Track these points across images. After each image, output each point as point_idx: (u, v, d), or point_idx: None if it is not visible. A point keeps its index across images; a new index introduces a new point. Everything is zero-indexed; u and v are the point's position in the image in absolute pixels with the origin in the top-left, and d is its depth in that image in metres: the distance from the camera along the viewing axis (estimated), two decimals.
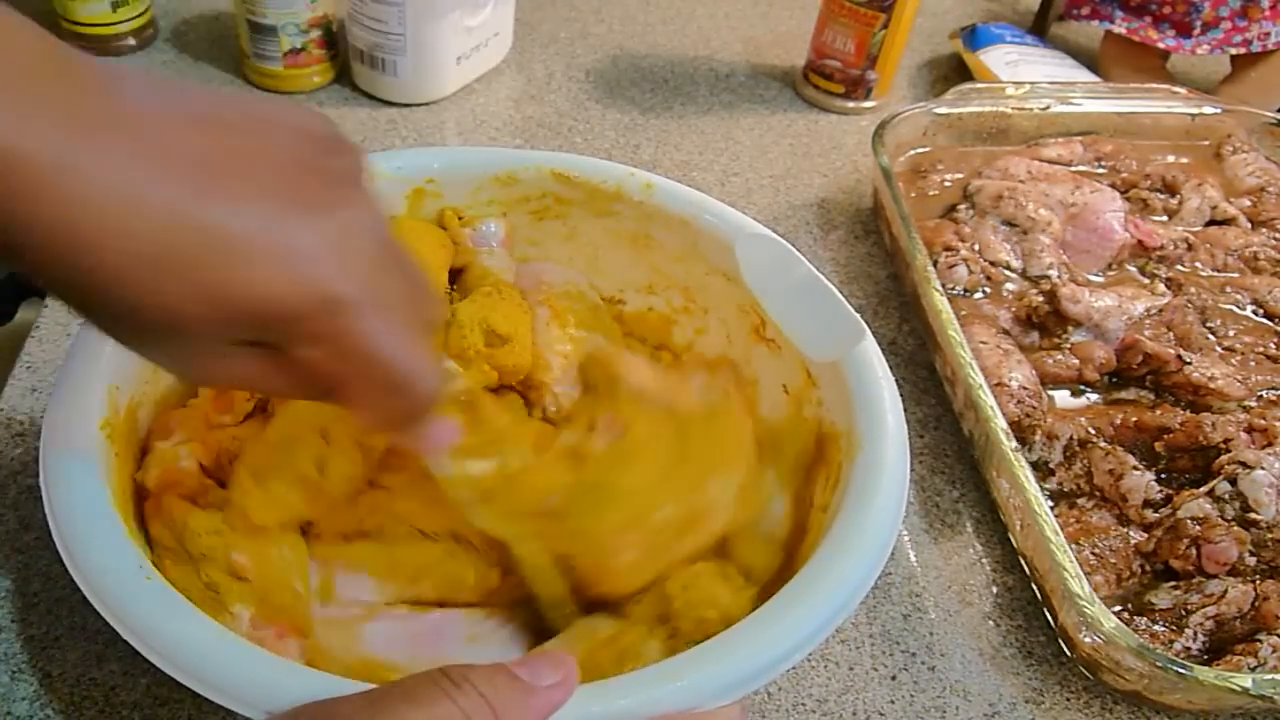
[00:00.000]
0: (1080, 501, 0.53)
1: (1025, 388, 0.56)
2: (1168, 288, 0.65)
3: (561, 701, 0.29)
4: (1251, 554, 0.49)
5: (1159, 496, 0.52)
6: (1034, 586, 0.50)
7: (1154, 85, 0.80)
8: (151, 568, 0.33)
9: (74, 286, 0.25)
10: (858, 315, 0.44)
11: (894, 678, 0.47)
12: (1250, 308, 0.65)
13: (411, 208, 0.50)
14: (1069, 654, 0.48)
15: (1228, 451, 0.52)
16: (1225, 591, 0.47)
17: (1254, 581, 0.48)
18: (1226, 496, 0.51)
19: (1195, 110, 0.77)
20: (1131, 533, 0.51)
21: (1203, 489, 0.51)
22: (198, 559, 0.38)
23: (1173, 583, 0.49)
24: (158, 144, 0.25)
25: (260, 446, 0.41)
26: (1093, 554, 0.50)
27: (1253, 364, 0.61)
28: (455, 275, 0.51)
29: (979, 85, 0.77)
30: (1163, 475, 0.53)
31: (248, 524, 0.39)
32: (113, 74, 0.25)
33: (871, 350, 0.43)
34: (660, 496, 0.39)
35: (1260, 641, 0.45)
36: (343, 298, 0.27)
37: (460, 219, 0.51)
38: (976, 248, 0.65)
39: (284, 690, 0.29)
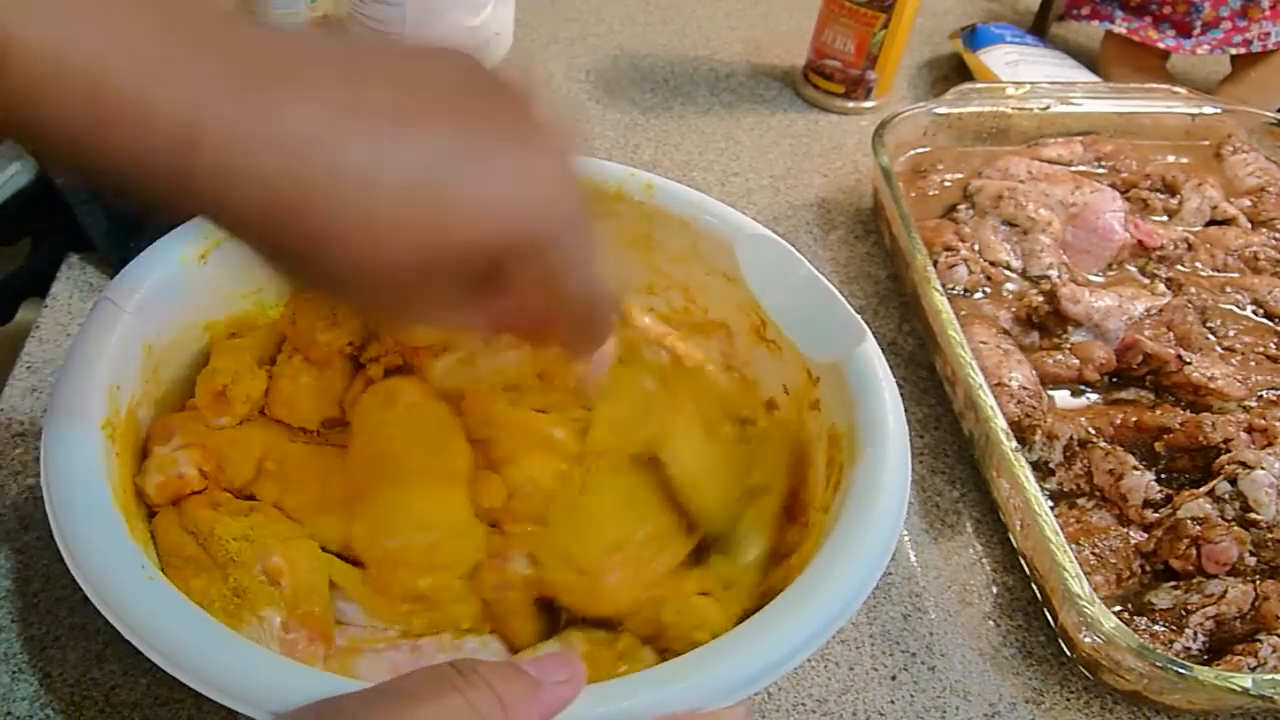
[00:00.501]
0: (1080, 501, 0.53)
1: (1025, 388, 0.56)
2: (1168, 288, 0.65)
3: (570, 698, 0.29)
4: (1251, 554, 0.49)
5: (1159, 496, 0.52)
6: (1034, 586, 0.50)
7: (1154, 85, 0.81)
8: (154, 568, 0.33)
9: (288, 254, 0.25)
10: (858, 316, 0.44)
11: (894, 678, 0.47)
12: (1250, 308, 0.65)
13: None
14: (1069, 654, 0.48)
15: (1228, 451, 0.52)
16: (1225, 591, 0.47)
17: (1254, 581, 0.48)
18: (1226, 496, 0.51)
19: (1195, 110, 0.77)
20: (1131, 533, 0.51)
21: (1203, 489, 0.51)
22: (225, 564, 0.38)
23: (1173, 583, 0.49)
24: (346, 100, 0.24)
25: None
26: (1093, 554, 0.50)
27: (1253, 364, 0.61)
28: None
29: (979, 85, 0.77)
30: (1163, 475, 0.53)
31: (278, 527, 0.39)
32: (277, 36, 0.25)
33: (872, 351, 0.43)
34: (636, 517, 0.41)
35: (1260, 641, 0.45)
36: (549, 232, 0.27)
37: None
38: (976, 248, 0.65)
39: (287, 689, 0.29)
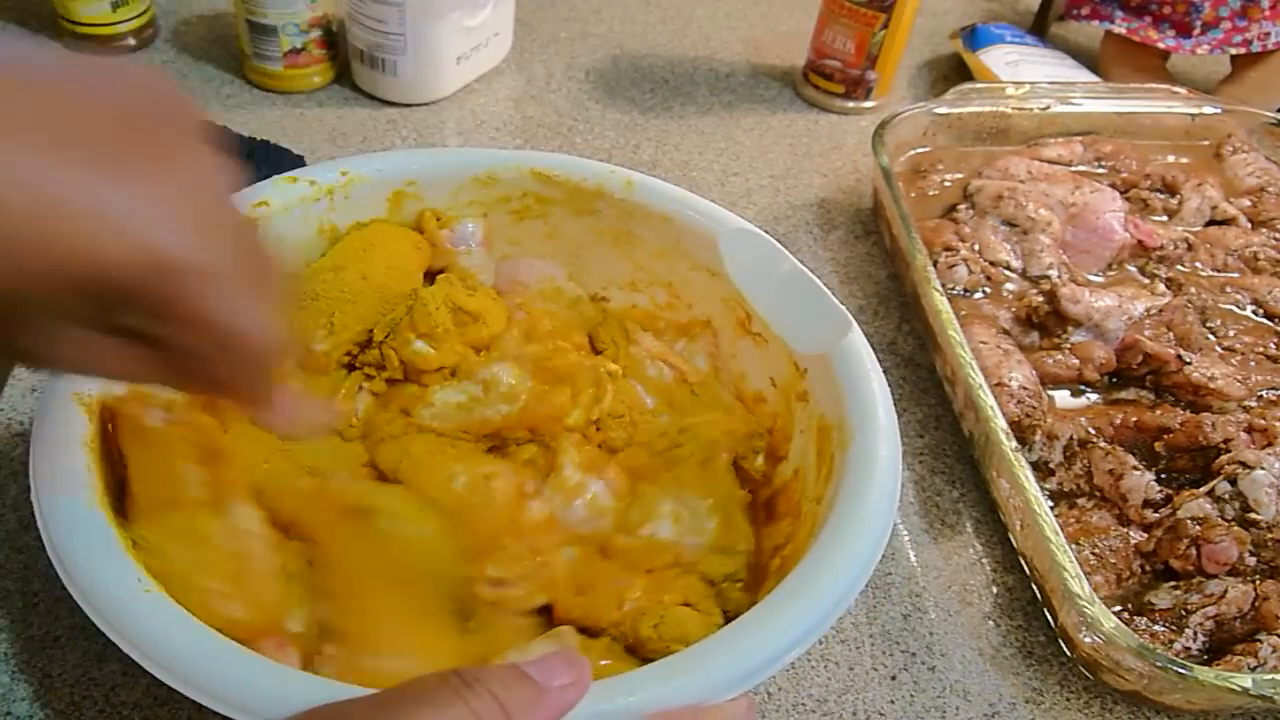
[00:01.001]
0: (1080, 501, 0.53)
1: (1025, 388, 0.56)
2: (1168, 288, 0.65)
3: (574, 701, 0.29)
4: (1251, 554, 0.49)
5: (1159, 496, 0.52)
6: (1034, 586, 0.50)
7: (1154, 85, 0.80)
8: (149, 579, 0.33)
9: None
10: (844, 308, 0.44)
11: (894, 678, 0.47)
12: (1250, 308, 0.65)
13: (392, 210, 0.50)
14: (1069, 654, 0.48)
15: (1228, 451, 0.52)
16: (1225, 591, 0.47)
17: (1254, 581, 0.48)
18: (1226, 496, 0.51)
19: (1195, 110, 0.77)
20: (1131, 533, 0.51)
21: (1203, 489, 0.51)
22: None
23: (1173, 583, 0.49)
24: None
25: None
26: (1093, 554, 0.50)
27: (1253, 364, 0.61)
28: (434, 276, 0.51)
29: (979, 85, 0.77)
30: (1163, 475, 0.53)
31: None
32: None
33: (859, 342, 0.43)
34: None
35: (1260, 641, 0.45)
36: (180, 261, 0.25)
37: (438, 220, 0.51)
38: (976, 248, 0.65)
39: (287, 697, 0.29)
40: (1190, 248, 0.68)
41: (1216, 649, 0.46)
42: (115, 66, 0.26)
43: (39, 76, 0.25)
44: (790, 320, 0.46)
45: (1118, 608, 0.48)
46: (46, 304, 0.24)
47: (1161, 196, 0.72)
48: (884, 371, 0.61)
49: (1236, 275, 0.67)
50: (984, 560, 0.52)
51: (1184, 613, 0.47)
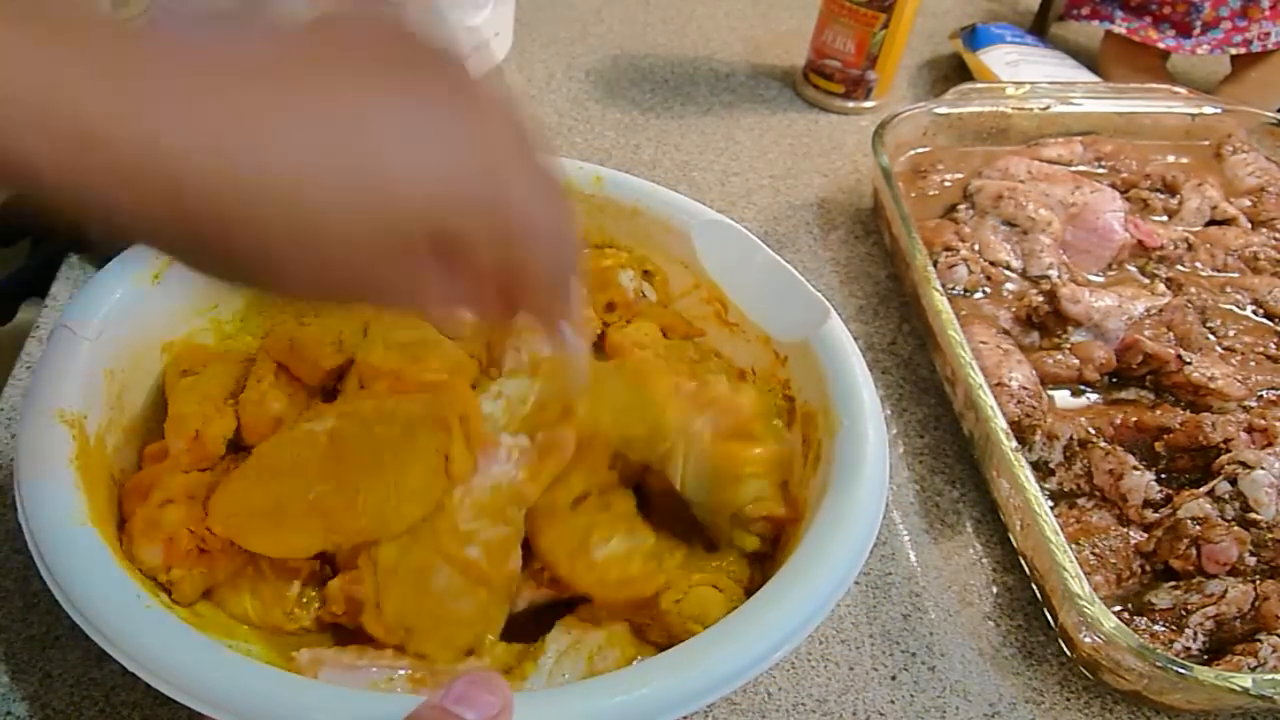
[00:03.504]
0: (1080, 501, 0.53)
1: (1025, 388, 0.56)
2: (1168, 288, 0.65)
3: None
4: (1251, 554, 0.49)
5: (1159, 496, 0.52)
6: (1034, 586, 0.50)
7: (1154, 85, 0.81)
8: (149, 595, 0.32)
9: (221, 261, 0.24)
10: (820, 295, 0.45)
11: (894, 678, 0.47)
12: (1250, 308, 0.65)
13: None
14: (1069, 654, 0.48)
15: (1228, 451, 0.52)
16: (1225, 591, 0.47)
17: (1254, 581, 0.48)
18: (1226, 496, 0.51)
19: (1195, 110, 0.77)
20: (1131, 533, 0.51)
21: (1203, 489, 0.51)
22: None
23: (1173, 583, 0.49)
24: (263, 100, 0.23)
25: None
26: (1093, 554, 0.50)
27: (1253, 364, 0.61)
28: None
29: (979, 85, 0.77)
30: (1163, 475, 0.53)
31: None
32: (166, 35, 0.24)
33: (838, 328, 0.44)
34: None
35: (1260, 641, 0.45)
36: (506, 192, 0.26)
37: None
38: (976, 248, 0.65)
39: (291, 704, 0.30)
40: (1190, 248, 0.68)
41: (1216, 649, 0.46)
42: (341, 18, 0.26)
43: (290, 47, 0.25)
44: (768, 309, 0.47)
45: (1118, 608, 0.48)
46: (384, 252, 0.25)
47: (1161, 196, 0.72)
48: (884, 371, 0.62)
49: (1236, 275, 0.67)
50: (984, 560, 0.52)
51: (1184, 613, 0.47)
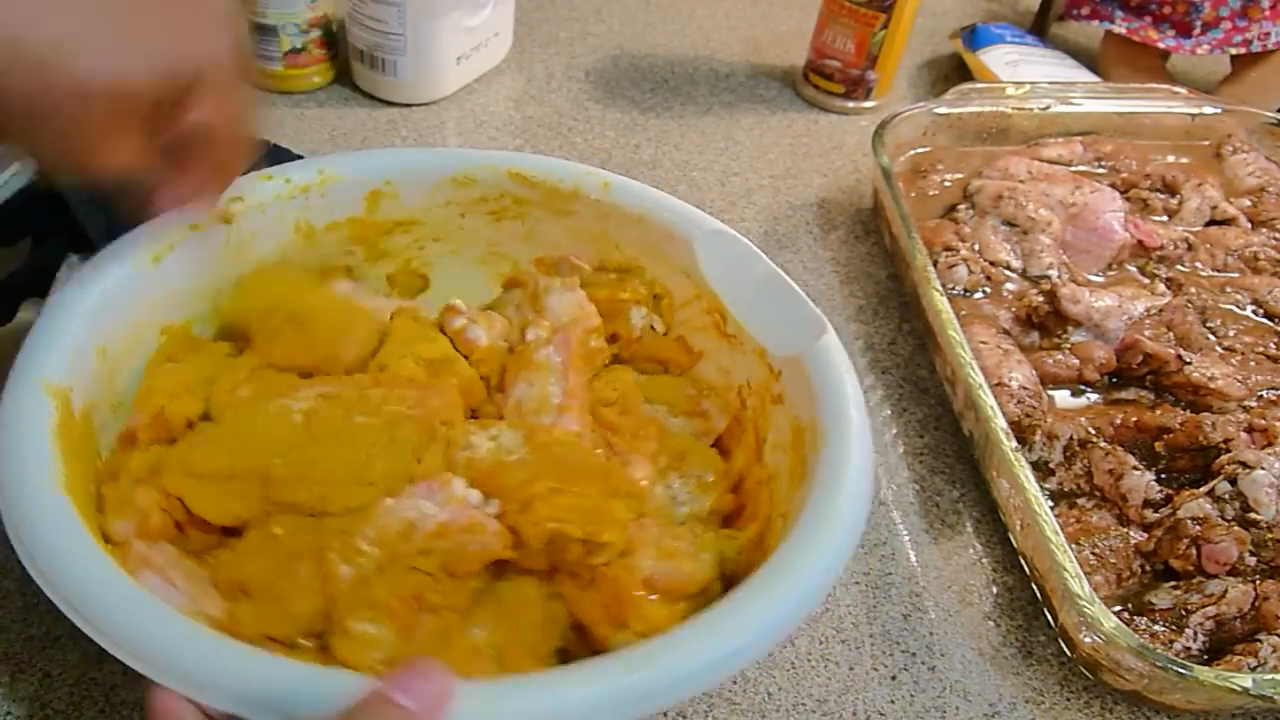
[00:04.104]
0: (1080, 501, 0.53)
1: (1025, 388, 0.56)
2: (1168, 288, 0.65)
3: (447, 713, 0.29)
4: (1251, 554, 0.49)
5: (1159, 496, 0.52)
6: (1034, 586, 0.50)
7: (1154, 85, 0.81)
8: (113, 562, 0.33)
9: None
10: (818, 311, 0.45)
11: (894, 678, 0.47)
12: (1250, 308, 0.65)
13: (369, 209, 0.50)
14: (1069, 654, 0.48)
15: (1228, 451, 0.52)
16: (1225, 591, 0.47)
17: (1254, 581, 0.48)
18: (1226, 496, 0.51)
19: (1195, 110, 0.77)
20: (1131, 533, 0.51)
21: (1203, 489, 0.51)
22: None
23: (1173, 583, 0.49)
24: None
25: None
26: (1093, 554, 0.50)
27: (1253, 364, 0.61)
28: None
29: (979, 85, 0.77)
30: (1163, 475, 0.53)
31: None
32: None
33: (833, 345, 0.43)
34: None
35: (1260, 641, 0.45)
36: (233, 54, 0.36)
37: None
38: (976, 248, 0.65)
39: (255, 677, 0.30)
40: (1190, 248, 0.68)
41: (1216, 649, 0.46)
42: None
43: None
44: (765, 322, 0.46)
45: (1118, 608, 0.48)
46: (116, 113, 0.33)
47: (1161, 196, 0.72)
48: (884, 371, 0.62)
49: (1236, 275, 0.67)
50: (984, 560, 0.52)
51: (1184, 613, 0.47)
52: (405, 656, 0.36)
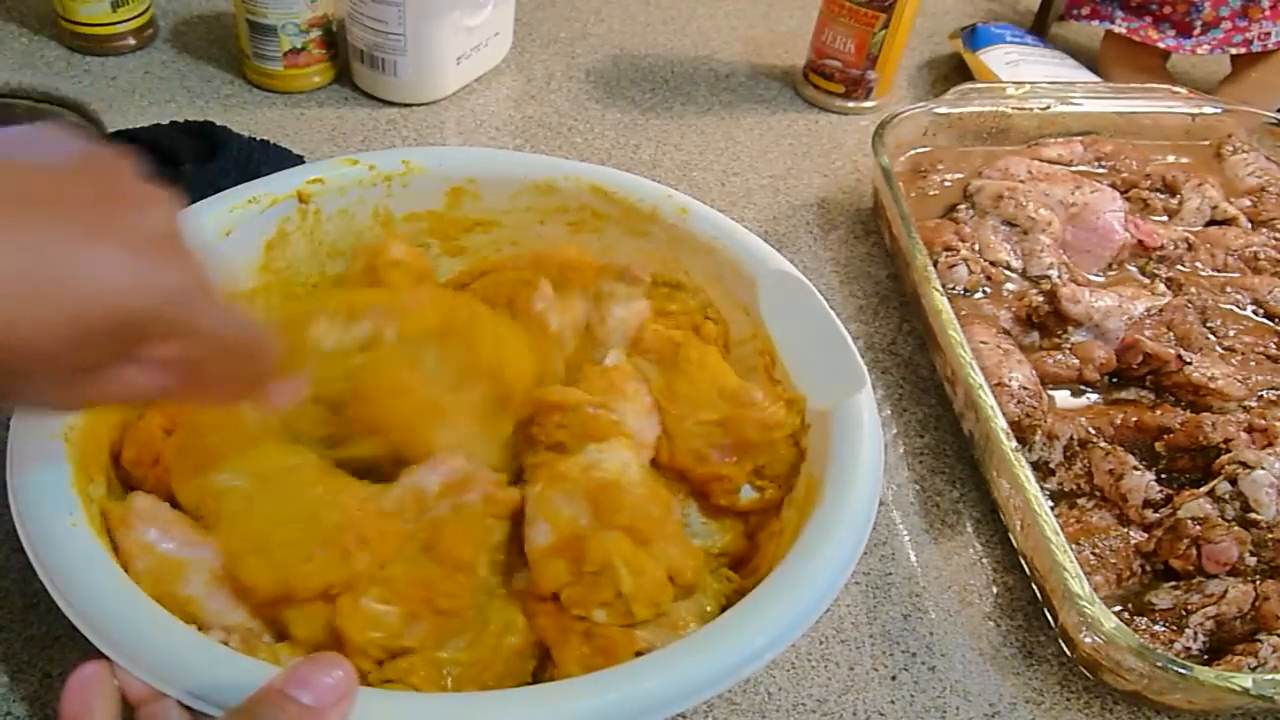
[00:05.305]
0: (1080, 501, 0.53)
1: (1025, 388, 0.56)
2: (1168, 288, 0.65)
3: (347, 710, 0.29)
4: (1252, 554, 0.49)
5: (1159, 496, 0.52)
6: (1034, 586, 0.50)
7: (1154, 85, 0.81)
8: (107, 554, 0.34)
9: None
10: (864, 366, 0.44)
11: (894, 678, 0.47)
12: (1250, 308, 0.65)
13: (449, 204, 0.50)
14: (1069, 654, 0.48)
15: (1228, 451, 0.52)
16: (1225, 591, 0.47)
17: (1254, 581, 0.48)
18: (1227, 496, 0.51)
19: (1195, 110, 0.77)
20: (1132, 533, 0.51)
21: (1203, 489, 0.51)
22: None
23: (1173, 583, 0.49)
24: None
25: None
26: (1093, 554, 0.50)
27: (1253, 364, 0.61)
28: None
29: (979, 85, 0.77)
30: (1163, 475, 0.53)
31: None
32: None
33: (864, 403, 0.43)
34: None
35: (1260, 641, 0.45)
36: (183, 287, 0.29)
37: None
38: (976, 248, 0.65)
39: (150, 642, 0.31)
40: (1190, 248, 0.68)
41: (1217, 649, 0.46)
42: (13, 138, 0.29)
43: None
44: (810, 370, 0.46)
45: (1118, 608, 0.48)
46: (68, 350, 0.27)
47: (1161, 196, 0.72)
48: (884, 371, 0.62)
49: (1237, 275, 0.67)
50: (984, 560, 0.52)
51: (1184, 613, 0.47)
52: (399, 648, 0.37)
